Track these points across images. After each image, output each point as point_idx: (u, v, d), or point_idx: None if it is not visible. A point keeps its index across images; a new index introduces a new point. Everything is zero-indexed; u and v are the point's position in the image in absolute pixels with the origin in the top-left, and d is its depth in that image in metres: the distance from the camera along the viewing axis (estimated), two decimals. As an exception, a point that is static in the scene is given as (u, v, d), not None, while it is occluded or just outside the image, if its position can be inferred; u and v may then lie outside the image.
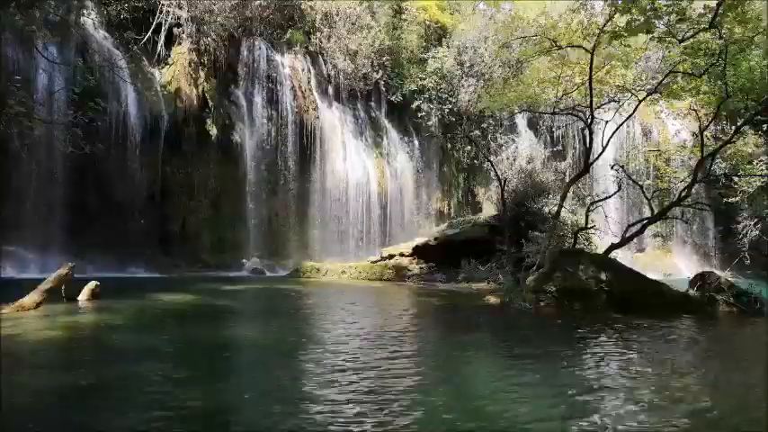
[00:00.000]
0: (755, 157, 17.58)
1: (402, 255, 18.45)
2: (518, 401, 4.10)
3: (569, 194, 15.36)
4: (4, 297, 7.82)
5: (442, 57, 26.08)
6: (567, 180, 18.17)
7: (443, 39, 27.23)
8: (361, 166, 24.11)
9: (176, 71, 19.86)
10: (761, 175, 17.78)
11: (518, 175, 19.00)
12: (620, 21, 10.67)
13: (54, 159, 15.79)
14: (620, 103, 13.95)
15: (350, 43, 23.97)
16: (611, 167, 14.33)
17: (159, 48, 19.72)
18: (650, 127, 28.48)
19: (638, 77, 15.87)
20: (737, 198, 20.22)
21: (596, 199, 15.16)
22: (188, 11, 20.08)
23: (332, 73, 24.50)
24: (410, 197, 25.71)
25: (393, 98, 25.63)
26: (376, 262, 18.62)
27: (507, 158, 22.14)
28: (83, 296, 9.07)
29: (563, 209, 13.74)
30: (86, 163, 15.38)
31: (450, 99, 26.14)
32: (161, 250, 18.53)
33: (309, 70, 23.76)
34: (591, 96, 12.05)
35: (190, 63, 20.22)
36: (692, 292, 10.43)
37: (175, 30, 20.05)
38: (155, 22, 19.31)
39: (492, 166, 15.02)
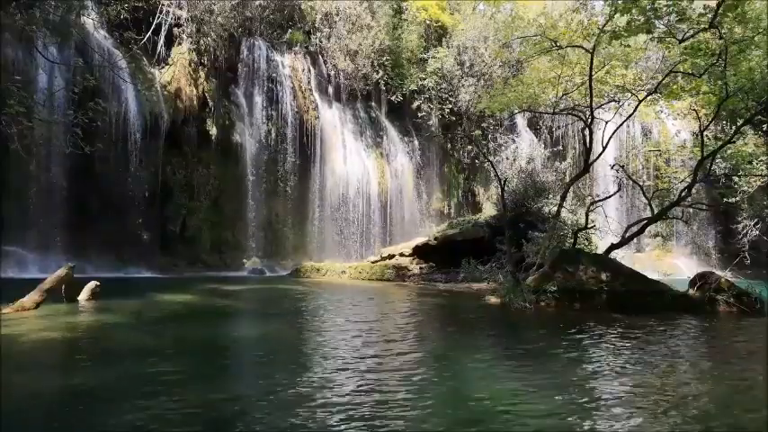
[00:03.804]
0: (755, 157, 17.57)
1: (402, 255, 18.45)
2: (517, 401, 4.09)
3: (569, 194, 15.36)
4: (4, 297, 7.82)
5: (442, 57, 26.09)
6: (567, 180, 18.18)
7: (443, 39, 27.24)
8: (361, 166, 24.12)
9: (176, 71, 19.87)
10: (761, 175, 17.78)
11: (518, 175, 19.01)
12: (621, 21, 10.67)
13: (54, 159, 15.80)
14: (620, 103, 13.94)
15: (350, 43, 23.99)
16: (611, 167, 14.32)
17: (159, 48, 19.73)
18: (650, 127, 28.48)
19: (638, 77, 15.86)
20: (737, 198, 20.22)
21: (596, 199, 15.15)
22: (188, 11, 20.10)
23: (332, 73, 24.51)
24: (410, 197, 25.71)
25: (393, 98, 25.64)
26: (376, 262, 18.62)
27: (507, 158, 22.16)
28: (83, 296, 9.08)
29: (563, 209, 13.73)
30: (86, 163, 15.39)
31: (451, 99, 26.15)
32: (161, 250, 18.55)
33: (309, 70, 23.77)
34: (591, 96, 12.05)
35: (190, 63, 20.23)
36: (692, 292, 10.41)
37: (175, 30, 20.07)
38: (155, 22, 19.33)
39: (492, 166, 14.99)
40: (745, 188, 19.55)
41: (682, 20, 10.24)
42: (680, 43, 10.70)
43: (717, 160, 14.79)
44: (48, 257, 14.84)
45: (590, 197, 20.68)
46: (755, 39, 10.58)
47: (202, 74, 20.67)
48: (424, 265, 17.50)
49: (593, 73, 11.74)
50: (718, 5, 9.58)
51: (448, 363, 5.52)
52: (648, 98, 13.17)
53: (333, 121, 24.05)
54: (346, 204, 23.44)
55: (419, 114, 26.09)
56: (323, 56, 24.30)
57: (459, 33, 26.84)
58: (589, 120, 12.62)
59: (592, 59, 11.46)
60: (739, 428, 3.72)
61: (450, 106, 26.18)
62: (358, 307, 10.46)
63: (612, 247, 11.89)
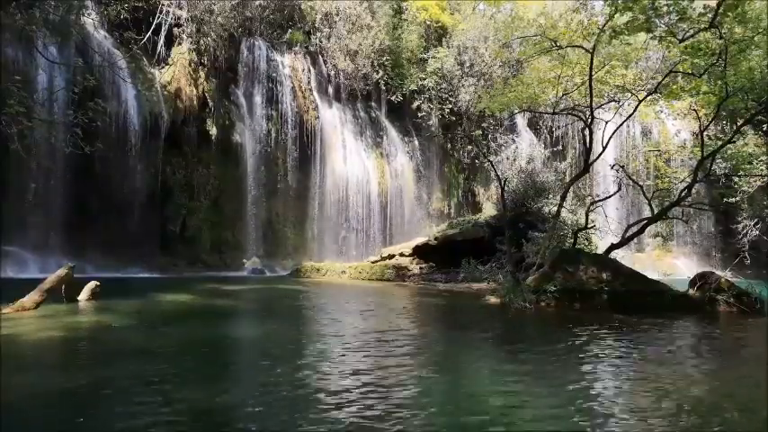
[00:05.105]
0: (755, 157, 17.58)
1: (402, 255, 18.45)
2: (517, 401, 4.09)
3: (569, 194, 15.36)
4: (4, 297, 7.81)
5: (442, 57, 26.09)
6: (567, 180, 18.19)
7: (443, 39, 27.24)
8: (361, 165, 24.12)
9: (176, 71, 19.87)
10: (761, 175, 17.79)
11: (518, 175, 19.03)
12: (621, 20, 10.67)
13: (54, 159, 15.79)
14: (620, 103, 13.95)
15: (350, 43, 23.99)
16: (611, 167, 14.32)
17: (159, 48, 19.73)
18: (650, 127, 28.50)
19: (638, 77, 15.87)
20: (737, 198, 20.24)
21: (596, 199, 15.16)
22: (188, 11, 20.10)
23: (332, 73, 24.52)
24: (410, 197, 25.71)
25: (393, 98, 25.64)
26: (376, 262, 18.62)
27: (507, 158, 22.18)
28: (83, 296, 9.07)
29: (563, 209, 13.74)
30: (86, 163, 15.38)
31: (451, 99, 26.15)
32: (161, 250, 18.54)
33: (309, 70, 23.77)
34: (591, 96, 12.05)
35: (190, 63, 20.23)
36: (692, 292, 10.41)
37: (175, 30, 20.07)
38: (155, 22, 19.33)
39: (492, 166, 15.00)
40: (745, 188, 19.57)
41: (682, 19, 10.25)
42: (680, 43, 10.71)
43: (717, 160, 14.79)
44: (48, 257, 14.84)
45: (590, 197, 20.70)
46: (755, 39, 10.59)
47: (202, 74, 20.67)
48: (424, 265, 17.50)
49: (594, 73, 11.75)
50: (718, 5, 9.58)
51: (448, 363, 5.52)
52: (648, 98, 13.18)
53: (333, 121, 24.05)
54: (346, 204, 23.44)
55: (419, 114, 26.09)
56: (323, 56, 24.30)
57: (459, 33, 26.84)
58: (589, 120, 12.62)
59: (592, 59, 11.47)
60: (740, 428, 3.72)
61: (450, 106, 26.18)
62: (358, 307, 10.46)
63: (612, 247, 11.89)
